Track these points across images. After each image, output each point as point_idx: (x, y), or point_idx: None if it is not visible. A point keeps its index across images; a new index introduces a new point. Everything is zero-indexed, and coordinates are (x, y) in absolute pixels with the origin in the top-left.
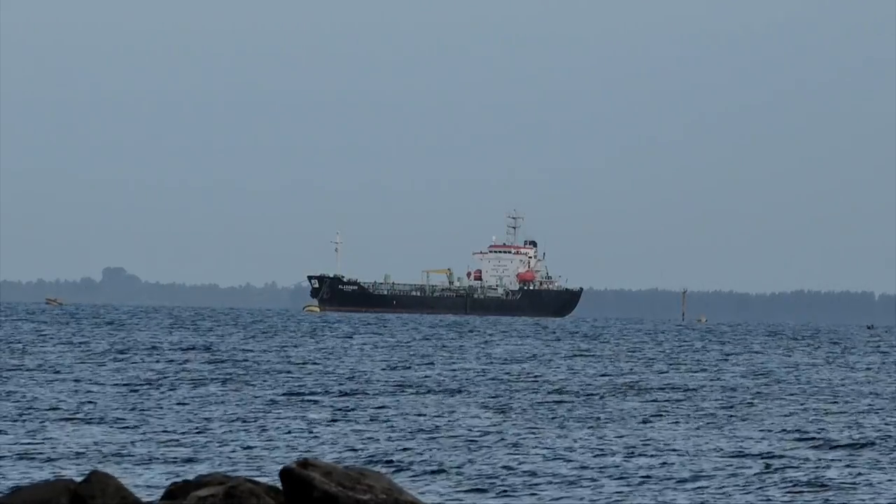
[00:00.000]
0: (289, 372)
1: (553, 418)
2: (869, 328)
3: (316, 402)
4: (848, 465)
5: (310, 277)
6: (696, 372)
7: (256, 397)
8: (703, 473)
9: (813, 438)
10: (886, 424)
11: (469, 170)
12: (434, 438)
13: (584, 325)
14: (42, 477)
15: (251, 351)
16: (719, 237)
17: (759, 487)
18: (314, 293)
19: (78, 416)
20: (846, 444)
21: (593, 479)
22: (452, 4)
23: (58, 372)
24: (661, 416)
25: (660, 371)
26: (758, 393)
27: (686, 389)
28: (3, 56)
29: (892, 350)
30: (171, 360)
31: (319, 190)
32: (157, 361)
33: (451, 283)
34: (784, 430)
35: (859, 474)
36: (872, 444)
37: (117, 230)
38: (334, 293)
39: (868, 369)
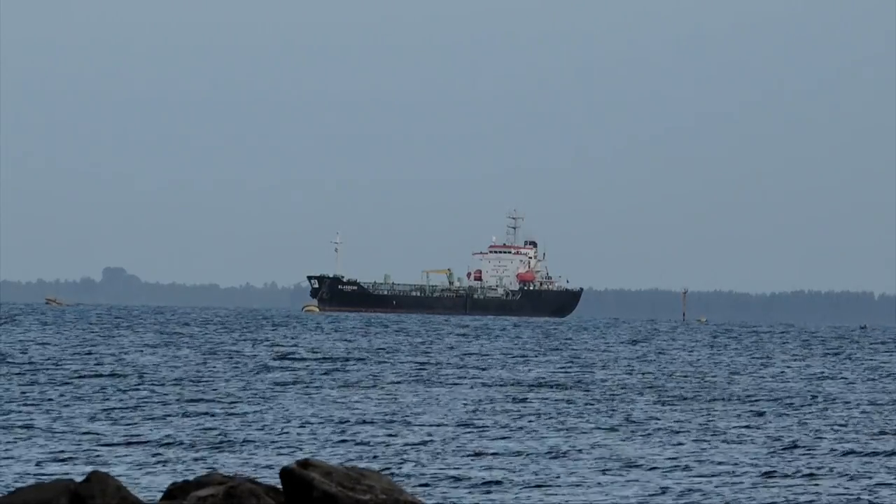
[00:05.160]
0: (287, 372)
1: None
2: (862, 328)
3: (316, 401)
4: None
5: (310, 277)
6: None
7: (257, 397)
8: None
9: None
10: None
11: (469, 169)
12: (436, 438)
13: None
14: (42, 477)
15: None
16: (719, 237)
17: None
18: (314, 293)
19: (78, 415)
20: None
21: (615, 480)
22: (452, 2)
23: (58, 371)
24: None
25: None
26: None
27: None
28: (2, 55)
29: None
30: (172, 361)
31: (319, 190)
32: (158, 362)
33: (451, 283)
34: None
35: None
36: None
37: (117, 230)
38: (334, 293)
39: None
